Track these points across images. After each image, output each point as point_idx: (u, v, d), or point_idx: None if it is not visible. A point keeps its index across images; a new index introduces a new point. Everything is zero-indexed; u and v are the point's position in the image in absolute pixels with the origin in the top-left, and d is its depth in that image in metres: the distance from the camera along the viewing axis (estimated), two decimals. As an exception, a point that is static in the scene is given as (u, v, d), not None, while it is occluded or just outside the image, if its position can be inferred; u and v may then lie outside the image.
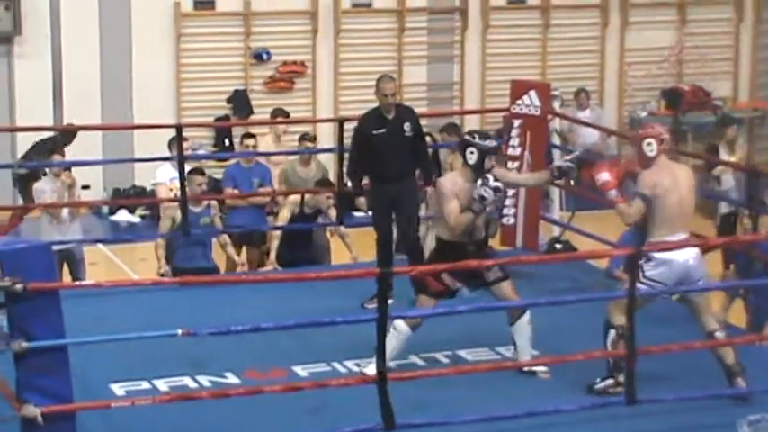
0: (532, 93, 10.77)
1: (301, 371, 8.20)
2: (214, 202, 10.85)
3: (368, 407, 6.81)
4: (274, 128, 13.38)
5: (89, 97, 16.48)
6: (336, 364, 8.31)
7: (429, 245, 11.85)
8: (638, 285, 7.40)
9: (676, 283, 7.70)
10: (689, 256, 7.67)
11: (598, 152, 17.80)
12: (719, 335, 7.66)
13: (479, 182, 7.91)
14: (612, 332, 7.59)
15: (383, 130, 9.34)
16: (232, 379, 8.05)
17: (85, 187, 15.32)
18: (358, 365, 8.18)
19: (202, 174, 10.79)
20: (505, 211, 10.86)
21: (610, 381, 7.58)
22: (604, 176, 7.86)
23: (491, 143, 8.09)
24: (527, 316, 7.99)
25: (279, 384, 7.24)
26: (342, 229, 11.26)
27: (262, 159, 12.19)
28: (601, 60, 18.87)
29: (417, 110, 9.95)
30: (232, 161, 12.15)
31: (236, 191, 11.64)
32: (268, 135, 13.33)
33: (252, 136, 12.51)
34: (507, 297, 7.99)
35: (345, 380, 7.54)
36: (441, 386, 7.56)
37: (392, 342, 7.64)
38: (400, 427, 6.85)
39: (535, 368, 7.97)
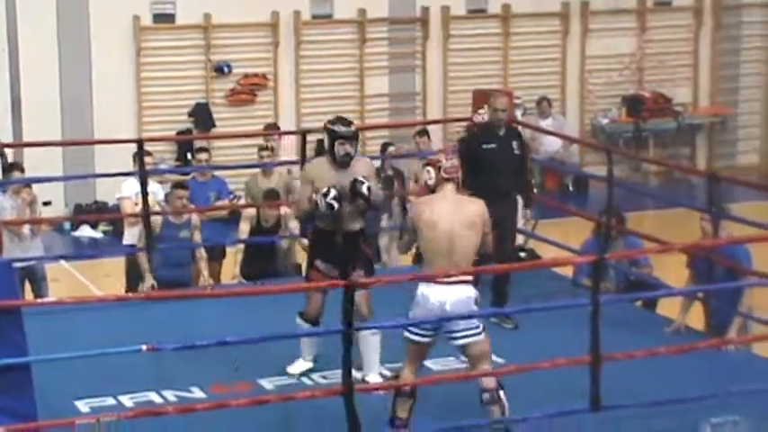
0: (493, 102, 10.77)
1: (267, 384, 8.19)
2: (195, 216, 10.80)
3: (334, 419, 6.79)
4: (269, 143, 13.40)
5: (49, 112, 16.40)
6: (302, 377, 8.30)
7: (394, 258, 11.91)
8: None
9: (435, 327, 7.19)
10: (446, 298, 7.12)
11: (561, 160, 17.92)
12: (487, 396, 7.12)
13: (323, 190, 7.91)
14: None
15: (494, 145, 9.33)
16: (198, 393, 8.03)
17: (47, 203, 15.26)
18: (324, 378, 8.18)
19: (185, 188, 10.77)
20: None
21: None
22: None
23: (341, 129, 7.95)
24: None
25: (245, 398, 7.22)
26: (304, 241, 11.22)
27: (218, 173, 12.20)
28: (562, 68, 18.95)
29: (379, 120, 9.98)
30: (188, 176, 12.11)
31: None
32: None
33: (205, 150, 12.48)
34: (358, 303, 7.65)
35: (311, 392, 7.52)
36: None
37: (304, 341, 8.01)
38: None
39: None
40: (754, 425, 7.45)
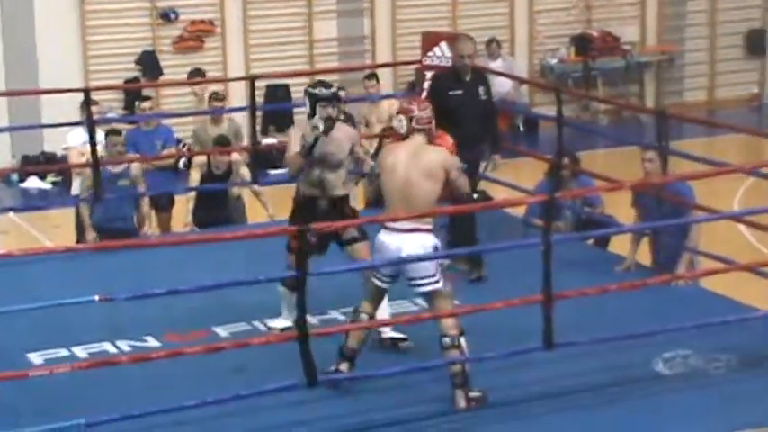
0: (443, 44, 10.75)
1: (222, 331, 8.19)
2: (135, 166, 10.72)
3: (290, 364, 6.81)
4: (194, 89, 13.28)
5: (-8, 63, 16.22)
6: (257, 323, 8.31)
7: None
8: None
9: (392, 274, 7.27)
10: (402, 246, 7.15)
11: (511, 101, 17.94)
12: (447, 341, 7.10)
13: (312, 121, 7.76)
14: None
15: (460, 92, 9.23)
16: (152, 343, 8.02)
17: (-7, 155, 15.14)
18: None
19: (118, 134, 10.68)
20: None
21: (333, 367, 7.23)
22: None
23: (322, 91, 7.82)
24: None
25: (200, 345, 7.22)
26: (256, 187, 11.21)
27: (164, 121, 12.12)
28: (510, 9, 18.91)
29: (328, 65, 9.93)
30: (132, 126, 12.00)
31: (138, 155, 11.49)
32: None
33: (148, 98, 12.37)
34: (361, 259, 7.75)
35: (266, 338, 7.53)
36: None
37: (286, 300, 7.93)
38: (323, 382, 6.86)
39: (397, 337, 7.83)
40: (705, 358, 7.54)
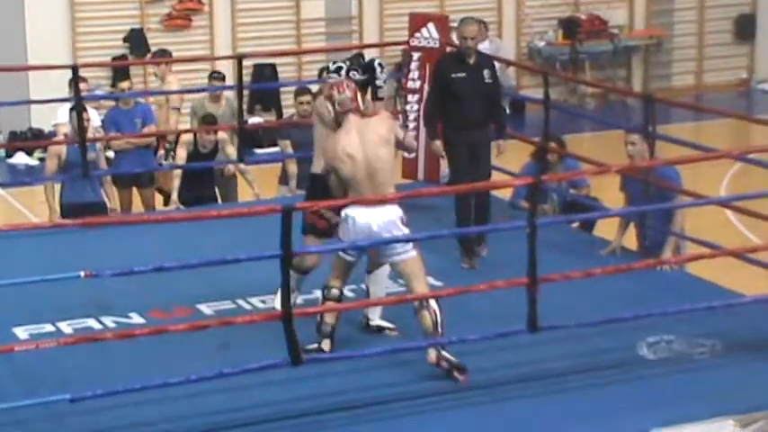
0: (431, 25, 10.77)
1: (206, 309, 8.20)
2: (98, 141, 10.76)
3: (274, 343, 6.82)
4: (155, 70, 13.31)
5: (-19, 38, 16.16)
6: (241, 302, 8.32)
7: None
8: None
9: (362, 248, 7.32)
10: (372, 220, 7.21)
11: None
12: (416, 304, 7.23)
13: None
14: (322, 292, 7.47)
15: (463, 74, 9.16)
16: (137, 319, 8.03)
17: (-20, 131, 15.09)
18: (263, 302, 8.21)
19: (84, 109, 10.64)
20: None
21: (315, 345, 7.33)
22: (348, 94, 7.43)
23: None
24: (387, 268, 7.81)
25: (184, 323, 7.22)
26: (242, 166, 11.21)
27: (142, 99, 12.14)
28: (498, -9, 18.90)
29: (315, 45, 9.93)
30: (110, 105, 11.98)
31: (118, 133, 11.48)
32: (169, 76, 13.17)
33: (126, 78, 12.37)
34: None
35: (251, 317, 7.54)
36: (346, 321, 7.60)
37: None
38: (307, 362, 6.88)
39: (385, 326, 7.84)
40: (689, 343, 7.57)
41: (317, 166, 7.89)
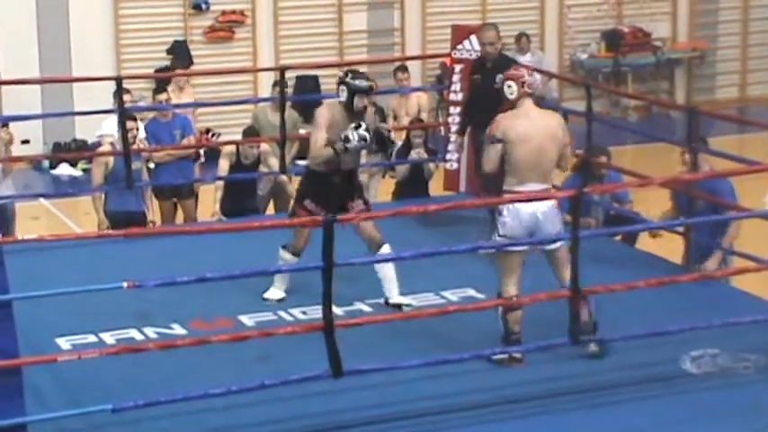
0: (473, 37, 10.75)
1: (247, 320, 8.21)
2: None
3: (315, 354, 6.82)
4: (175, 79, 13.38)
5: (26, 50, 16.29)
6: (282, 313, 8.33)
7: (372, 194, 11.92)
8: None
9: (527, 236, 7.45)
10: (537, 208, 7.39)
11: (540, 96, 17.89)
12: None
13: (353, 124, 8.09)
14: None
15: (478, 76, 9.69)
16: (178, 330, 8.05)
17: (25, 142, 15.22)
18: (304, 313, 8.22)
19: (134, 119, 10.70)
20: (449, 156, 10.89)
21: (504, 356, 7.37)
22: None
23: (362, 83, 8.19)
24: (386, 247, 8.17)
25: (225, 334, 7.23)
26: (283, 177, 11.24)
27: (180, 110, 12.21)
28: (541, 3, 18.88)
29: (357, 57, 10.01)
30: (149, 117, 12.03)
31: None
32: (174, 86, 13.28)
33: (164, 90, 12.41)
34: (367, 233, 8.20)
35: (292, 328, 7.53)
36: (388, 332, 7.59)
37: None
38: (348, 373, 6.87)
39: (404, 303, 8.22)
40: (733, 357, 7.51)
41: (312, 163, 8.27)
